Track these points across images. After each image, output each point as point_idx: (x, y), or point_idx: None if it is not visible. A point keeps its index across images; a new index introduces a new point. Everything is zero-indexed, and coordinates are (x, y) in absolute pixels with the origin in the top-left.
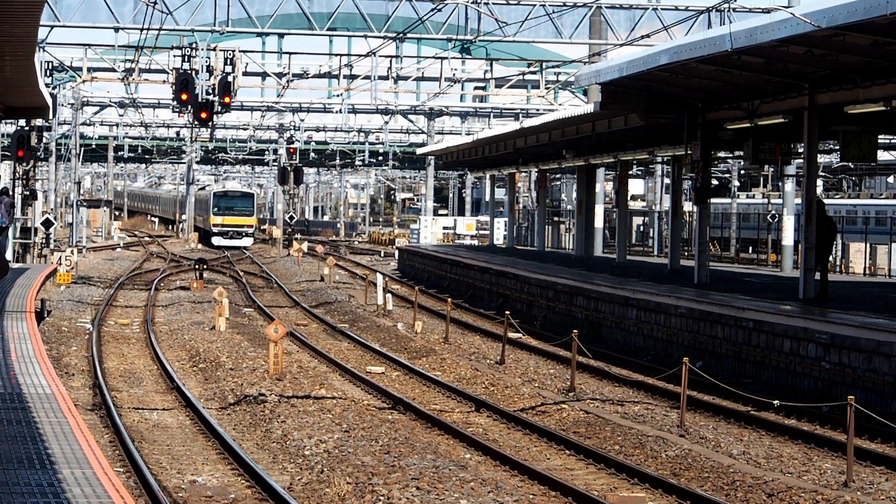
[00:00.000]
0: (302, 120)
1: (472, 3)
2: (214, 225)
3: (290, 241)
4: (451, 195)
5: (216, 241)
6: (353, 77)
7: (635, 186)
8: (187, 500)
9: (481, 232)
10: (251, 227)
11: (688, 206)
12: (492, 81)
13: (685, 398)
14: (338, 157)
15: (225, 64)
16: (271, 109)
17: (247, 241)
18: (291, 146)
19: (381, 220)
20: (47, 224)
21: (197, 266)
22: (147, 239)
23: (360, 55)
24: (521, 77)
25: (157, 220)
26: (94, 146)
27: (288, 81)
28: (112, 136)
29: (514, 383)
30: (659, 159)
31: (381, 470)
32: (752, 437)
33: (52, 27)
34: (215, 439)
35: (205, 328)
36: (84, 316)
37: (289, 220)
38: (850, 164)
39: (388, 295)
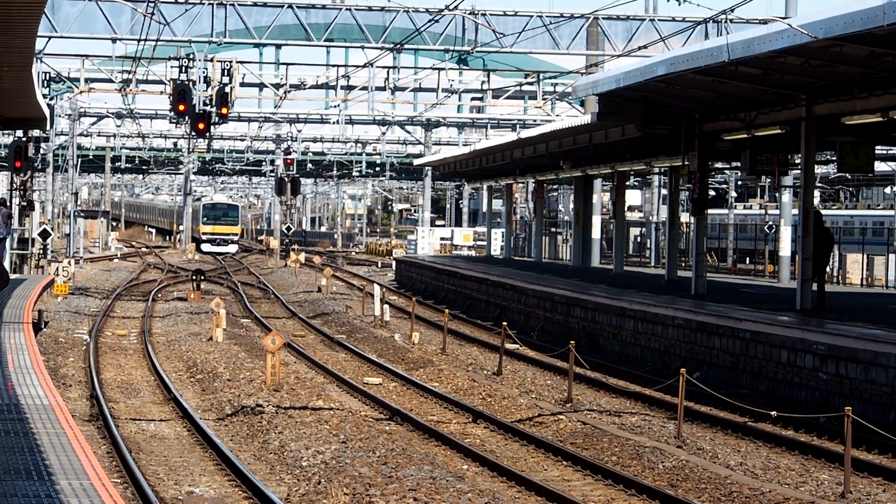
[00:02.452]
0: (299, 131)
1: (470, 14)
2: (204, 233)
3: (287, 251)
4: (448, 206)
5: (205, 247)
6: (350, 88)
7: (632, 197)
8: None
9: (478, 243)
10: (236, 234)
11: (685, 217)
12: (489, 92)
13: (682, 409)
14: (335, 168)
15: (222, 75)
16: (268, 120)
17: (232, 248)
18: (288, 157)
19: (378, 230)
20: (45, 235)
21: (194, 277)
22: (144, 249)
23: (357, 66)
24: (518, 88)
25: (154, 230)
26: (91, 157)
27: (285, 92)
28: (109, 146)
29: (512, 394)
30: (656, 170)
31: (379, 481)
32: (750, 447)
33: (50, 38)
34: (212, 450)
35: (202, 339)
36: (81, 327)
37: (286, 231)
38: (847, 174)
39: (386, 306)
